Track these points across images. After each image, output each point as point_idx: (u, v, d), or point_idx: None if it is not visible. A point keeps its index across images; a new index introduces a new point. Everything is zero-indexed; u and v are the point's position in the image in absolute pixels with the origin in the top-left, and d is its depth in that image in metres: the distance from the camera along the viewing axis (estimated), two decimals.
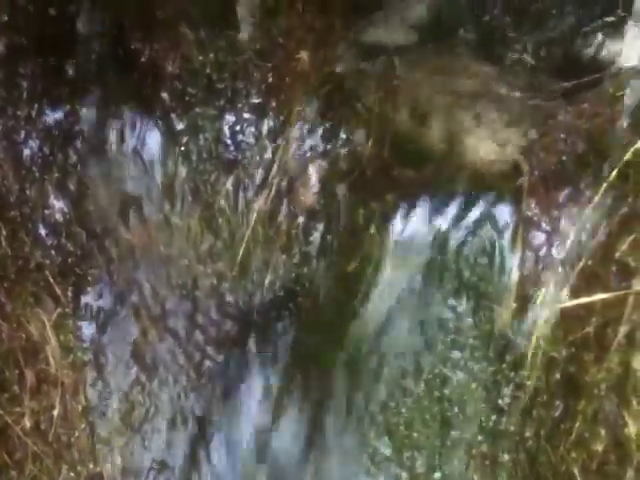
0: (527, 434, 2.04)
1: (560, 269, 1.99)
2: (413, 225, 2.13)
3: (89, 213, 2.38)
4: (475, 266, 2.08)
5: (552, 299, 1.98)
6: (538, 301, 2.00)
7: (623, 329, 1.87)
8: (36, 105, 2.33)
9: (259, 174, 2.32)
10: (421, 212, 2.12)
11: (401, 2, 2.47)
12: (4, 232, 2.23)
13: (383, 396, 2.20)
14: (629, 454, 1.87)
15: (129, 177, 2.36)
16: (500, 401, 2.09)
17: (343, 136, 2.28)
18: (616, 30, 2.21)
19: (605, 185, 1.93)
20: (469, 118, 2.22)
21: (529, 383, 2.03)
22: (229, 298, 2.38)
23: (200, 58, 2.34)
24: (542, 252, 2.03)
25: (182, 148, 2.34)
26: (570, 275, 1.97)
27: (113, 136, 2.34)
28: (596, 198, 1.94)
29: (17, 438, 2.16)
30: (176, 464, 2.45)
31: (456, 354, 2.12)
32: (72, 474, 2.31)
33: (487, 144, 2.16)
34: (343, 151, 2.28)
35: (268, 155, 2.32)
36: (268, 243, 2.31)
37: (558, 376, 1.99)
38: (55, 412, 2.22)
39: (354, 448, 2.26)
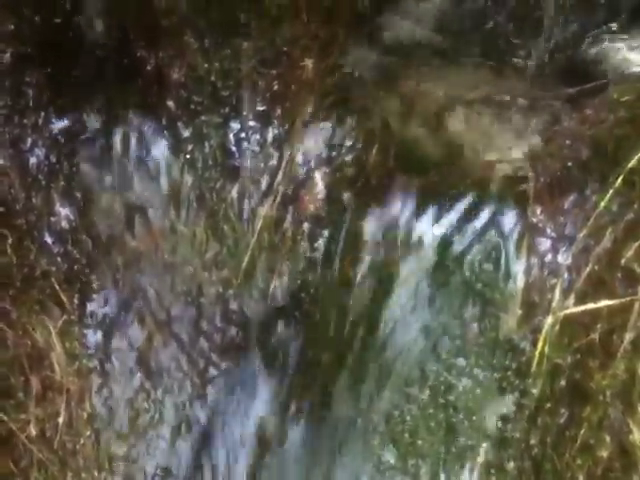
0: (532, 441, 2.03)
1: (566, 275, 1.99)
2: (418, 232, 2.13)
3: (95, 221, 2.38)
4: (480, 273, 2.08)
5: (558, 305, 1.97)
6: (543, 307, 2.00)
7: (629, 336, 1.86)
8: (42, 113, 2.34)
9: (264, 181, 2.33)
10: (426, 219, 2.12)
11: (405, 10, 2.48)
12: (10, 240, 2.24)
13: (388, 404, 2.20)
14: (635, 461, 1.86)
15: (134, 185, 2.36)
16: (505, 408, 2.08)
17: (348, 143, 2.29)
18: (620, 36, 2.21)
19: (611, 191, 1.93)
20: (473, 125, 2.22)
21: (534, 390, 2.02)
22: (234, 305, 2.38)
23: (205, 66, 2.35)
24: (548, 258, 2.03)
25: (187, 156, 2.35)
26: (576, 281, 1.97)
27: (118, 144, 2.35)
28: (602, 204, 1.94)
29: (22, 446, 2.15)
30: (180, 471, 2.44)
31: (461, 361, 2.12)
32: None
33: (491, 151, 2.16)
34: (348, 158, 2.28)
35: (273, 162, 2.33)
36: (273, 250, 2.32)
37: (563, 383, 1.98)
38: (60, 419, 2.22)
39: (358, 456, 2.25)
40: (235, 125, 2.35)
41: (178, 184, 2.35)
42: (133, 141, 2.35)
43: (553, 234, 2.05)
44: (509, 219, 2.07)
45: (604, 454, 1.89)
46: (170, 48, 2.36)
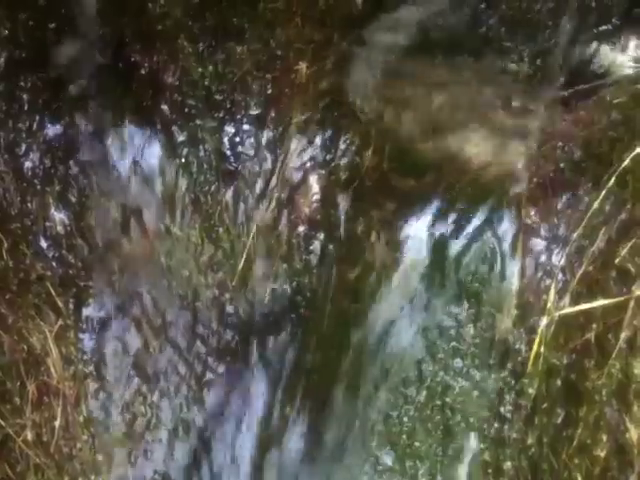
0: (529, 441, 2.04)
1: (560, 276, 2.00)
2: (413, 234, 2.13)
3: (90, 225, 2.38)
4: (476, 274, 2.09)
5: (553, 306, 1.98)
6: (539, 308, 2.01)
7: (624, 335, 1.87)
8: (37, 118, 2.33)
9: (259, 185, 2.33)
10: (421, 221, 2.13)
11: (397, 15, 2.49)
12: (5, 244, 2.23)
13: (385, 405, 2.20)
14: (631, 460, 1.86)
15: (130, 189, 2.36)
16: (502, 409, 2.09)
17: (342, 146, 2.30)
18: (612, 38, 2.23)
19: (604, 192, 1.94)
20: (467, 127, 2.23)
21: (530, 390, 2.03)
22: (230, 309, 2.38)
23: (199, 70, 2.36)
24: (542, 259, 2.04)
25: (182, 159, 2.35)
26: (570, 282, 1.98)
27: (113, 148, 2.35)
28: (595, 204, 1.95)
29: (19, 450, 2.15)
30: (177, 475, 2.44)
31: (457, 362, 2.12)
32: None
33: (485, 152, 2.17)
34: (343, 161, 2.29)
35: (268, 166, 2.33)
36: (269, 253, 2.32)
37: (559, 383, 1.99)
38: (57, 424, 2.21)
39: (356, 458, 2.25)
40: (229, 129, 2.35)
41: (173, 188, 2.35)
42: (128, 145, 2.34)
43: (547, 235, 2.06)
44: (503, 220, 2.08)
45: (601, 453, 1.89)
46: (164, 52, 2.36)
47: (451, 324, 2.11)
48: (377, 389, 2.20)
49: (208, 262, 2.38)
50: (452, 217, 2.12)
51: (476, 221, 2.10)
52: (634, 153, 1.91)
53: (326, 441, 2.29)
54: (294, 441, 2.32)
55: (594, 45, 2.26)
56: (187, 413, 2.41)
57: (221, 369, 2.41)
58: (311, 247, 2.29)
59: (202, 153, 2.35)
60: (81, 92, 2.35)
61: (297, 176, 2.32)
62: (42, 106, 2.33)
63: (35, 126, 2.33)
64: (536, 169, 2.09)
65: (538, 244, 2.06)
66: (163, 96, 2.35)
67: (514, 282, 2.06)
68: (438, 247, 2.11)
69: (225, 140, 2.35)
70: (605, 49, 2.24)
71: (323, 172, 2.30)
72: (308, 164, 2.31)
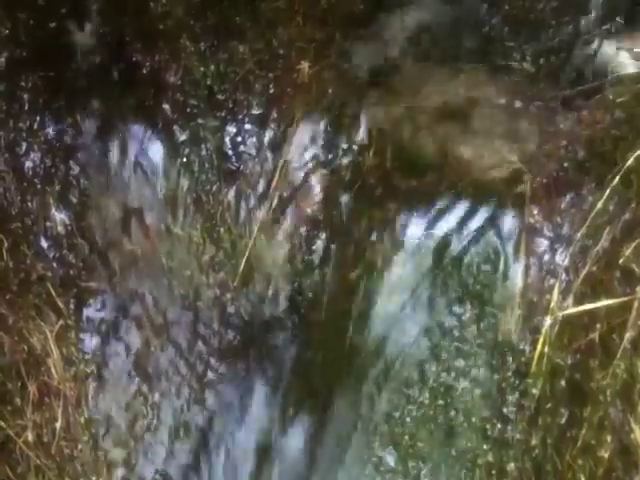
0: (533, 442, 2.03)
1: (564, 276, 1.99)
2: (416, 233, 2.12)
3: (91, 225, 2.37)
4: (479, 274, 2.08)
5: (557, 306, 1.97)
6: (542, 308, 2.00)
7: (628, 335, 1.86)
8: (38, 117, 2.33)
9: (261, 184, 2.33)
10: (424, 220, 2.12)
11: (400, 13, 2.49)
12: (6, 244, 2.23)
13: (387, 405, 2.19)
14: (636, 461, 1.85)
15: (131, 188, 2.36)
16: (505, 409, 2.08)
17: (344, 146, 2.29)
18: (615, 37, 2.22)
19: (608, 191, 1.93)
20: (470, 127, 2.22)
21: (534, 391, 2.02)
22: (231, 309, 2.37)
23: (201, 69, 2.35)
24: (546, 259, 2.03)
25: (184, 159, 2.34)
26: (574, 282, 1.97)
27: (115, 148, 2.35)
28: (599, 204, 1.94)
29: (20, 451, 2.14)
30: (178, 476, 2.43)
31: (460, 362, 2.12)
32: None
33: (488, 152, 2.17)
34: (345, 161, 2.28)
35: (270, 165, 2.33)
36: (271, 253, 2.31)
37: (563, 383, 1.98)
38: (58, 424, 2.21)
39: (359, 459, 2.25)
40: (231, 128, 2.34)
41: (175, 187, 2.35)
42: (129, 144, 2.34)
43: (551, 235, 2.05)
44: (507, 220, 2.07)
45: (605, 454, 1.88)
46: (166, 51, 2.35)
47: (454, 324, 2.11)
48: (379, 389, 2.20)
49: (209, 262, 2.37)
50: (455, 217, 2.11)
51: (479, 221, 2.09)
52: (638, 152, 1.90)
53: (328, 441, 2.29)
54: (295, 441, 2.31)
55: (597, 44, 2.25)
56: (188, 413, 2.40)
57: (222, 369, 2.40)
58: (313, 247, 2.29)
59: (204, 152, 2.34)
60: (82, 92, 2.34)
61: (299, 176, 2.31)
62: (42, 106, 2.33)
63: (36, 126, 2.32)
64: (539, 168, 2.08)
65: (542, 244, 2.05)
66: (165, 95, 2.35)
67: (517, 282, 2.05)
68: (441, 247, 2.10)
69: (227, 140, 2.34)
70: (608, 48, 2.24)
71: (325, 172, 2.29)
72: (310, 164, 2.30)
